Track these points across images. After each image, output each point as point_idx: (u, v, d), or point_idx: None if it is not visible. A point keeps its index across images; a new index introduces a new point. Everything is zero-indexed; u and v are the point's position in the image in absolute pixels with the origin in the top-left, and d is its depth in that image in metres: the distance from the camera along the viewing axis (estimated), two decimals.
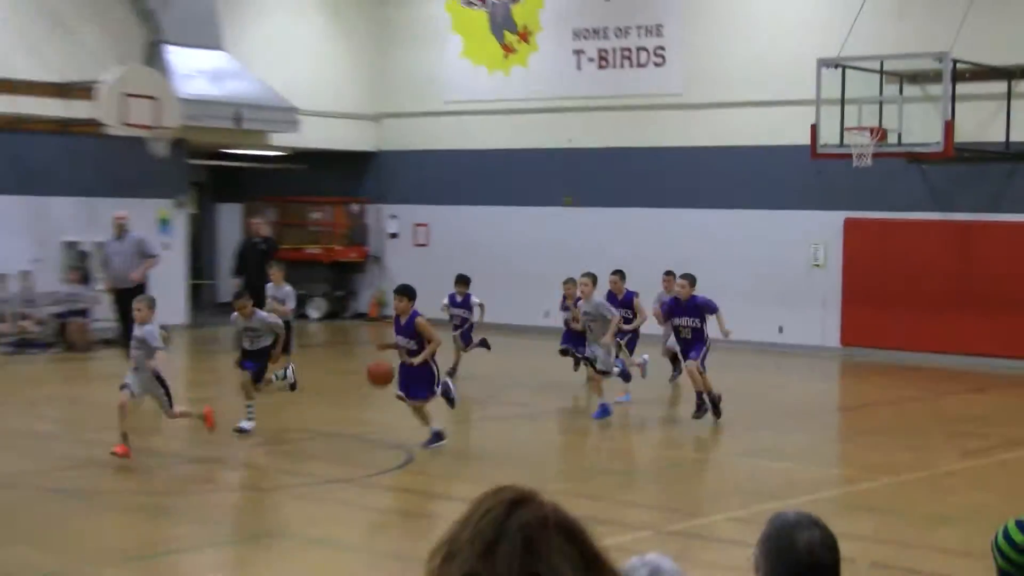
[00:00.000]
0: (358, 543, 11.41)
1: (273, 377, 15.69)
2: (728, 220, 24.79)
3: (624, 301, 17.15)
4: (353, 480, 13.60)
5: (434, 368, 13.55)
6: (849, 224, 23.48)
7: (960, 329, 22.42)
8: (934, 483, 13.78)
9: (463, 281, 18.54)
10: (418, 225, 28.99)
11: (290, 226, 29.34)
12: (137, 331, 13.55)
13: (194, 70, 25.33)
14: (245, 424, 14.29)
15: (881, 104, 22.06)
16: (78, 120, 23.90)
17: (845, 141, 21.57)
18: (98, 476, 13.63)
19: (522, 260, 26.30)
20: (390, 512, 13.07)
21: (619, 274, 17.52)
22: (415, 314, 13.43)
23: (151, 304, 14.34)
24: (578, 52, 26.69)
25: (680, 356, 16.90)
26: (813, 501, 10.75)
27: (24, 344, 22.46)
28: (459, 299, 18.85)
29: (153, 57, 25.02)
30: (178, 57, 25.08)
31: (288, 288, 18.49)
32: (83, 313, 23.25)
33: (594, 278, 16.44)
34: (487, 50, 27.99)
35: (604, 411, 15.97)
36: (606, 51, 26.54)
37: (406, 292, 13.58)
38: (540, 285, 23.72)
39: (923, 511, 12.31)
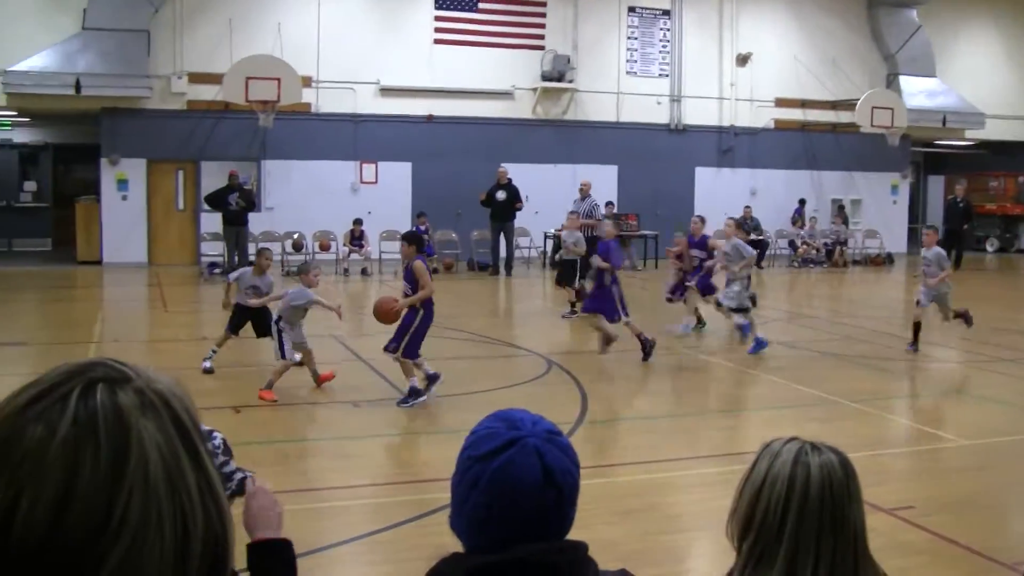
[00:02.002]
0: (1012, 400, 12.21)
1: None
2: None
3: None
4: (1014, 360, 15.03)
5: (415, 323, 11.10)
6: None
7: None
8: None
9: None
10: None
11: (976, 191, 33.85)
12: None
13: (916, 90, 32.12)
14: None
15: None
16: (843, 123, 31.43)
17: None
18: (847, 344, 15.89)
19: None
20: None
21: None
22: (416, 259, 11.14)
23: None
24: None
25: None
26: None
27: (806, 262, 29.76)
28: None
29: (891, 83, 32.41)
30: (907, 83, 32.28)
31: None
32: (844, 243, 30.43)
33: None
34: None
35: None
36: None
37: (406, 238, 11.60)
38: None
39: None
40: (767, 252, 29.91)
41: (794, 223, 31.29)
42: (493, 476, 2.00)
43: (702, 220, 17.20)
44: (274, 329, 11.79)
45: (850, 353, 15.23)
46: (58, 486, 1.12)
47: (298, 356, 11.82)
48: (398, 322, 11.19)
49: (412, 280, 11.21)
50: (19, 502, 1.12)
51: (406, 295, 11.27)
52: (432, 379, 11.40)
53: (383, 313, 11.23)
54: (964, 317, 15.65)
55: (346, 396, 10.80)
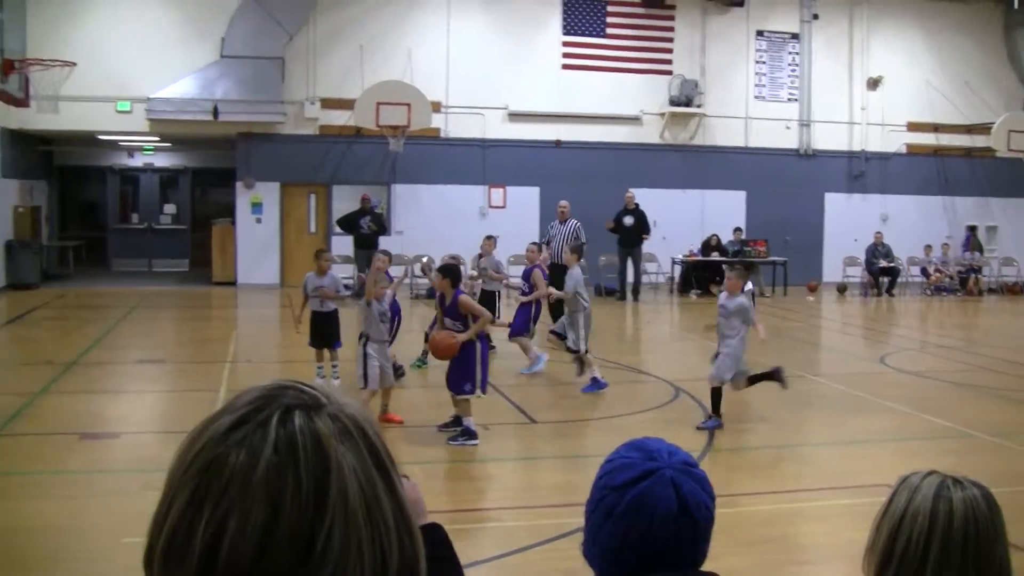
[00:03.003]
0: None
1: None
2: None
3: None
4: None
5: (476, 356, 10.53)
6: None
7: None
8: None
9: None
10: None
11: None
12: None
13: None
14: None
15: None
16: (978, 148, 30.76)
17: None
18: (983, 375, 15.55)
19: None
20: None
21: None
22: (458, 293, 10.68)
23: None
24: None
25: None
26: None
27: (939, 289, 29.20)
28: None
29: None
30: None
31: None
32: (979, 271, 30.04)
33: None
34: None
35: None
36: None
37: (442, 271, 11.07)
38: None
39: None
40: (898, 279, 29.46)
41: (965, 252, 30.80)
42: (629, 506, 2.02)
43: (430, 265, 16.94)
44: (360, 351, 10.90)
45: (986, 384, 14.82)
46: (264, 512, 1.14)
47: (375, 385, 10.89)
48: (458, 357, 10.54)
49: (457, 315, 10.58)
50: (226, 526, 1.13)
51: (445, 328, 10.65)
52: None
53: (443, 349, 10.56)
54: (771, 377, 12.10)
55: (476, 419, 10.90)
